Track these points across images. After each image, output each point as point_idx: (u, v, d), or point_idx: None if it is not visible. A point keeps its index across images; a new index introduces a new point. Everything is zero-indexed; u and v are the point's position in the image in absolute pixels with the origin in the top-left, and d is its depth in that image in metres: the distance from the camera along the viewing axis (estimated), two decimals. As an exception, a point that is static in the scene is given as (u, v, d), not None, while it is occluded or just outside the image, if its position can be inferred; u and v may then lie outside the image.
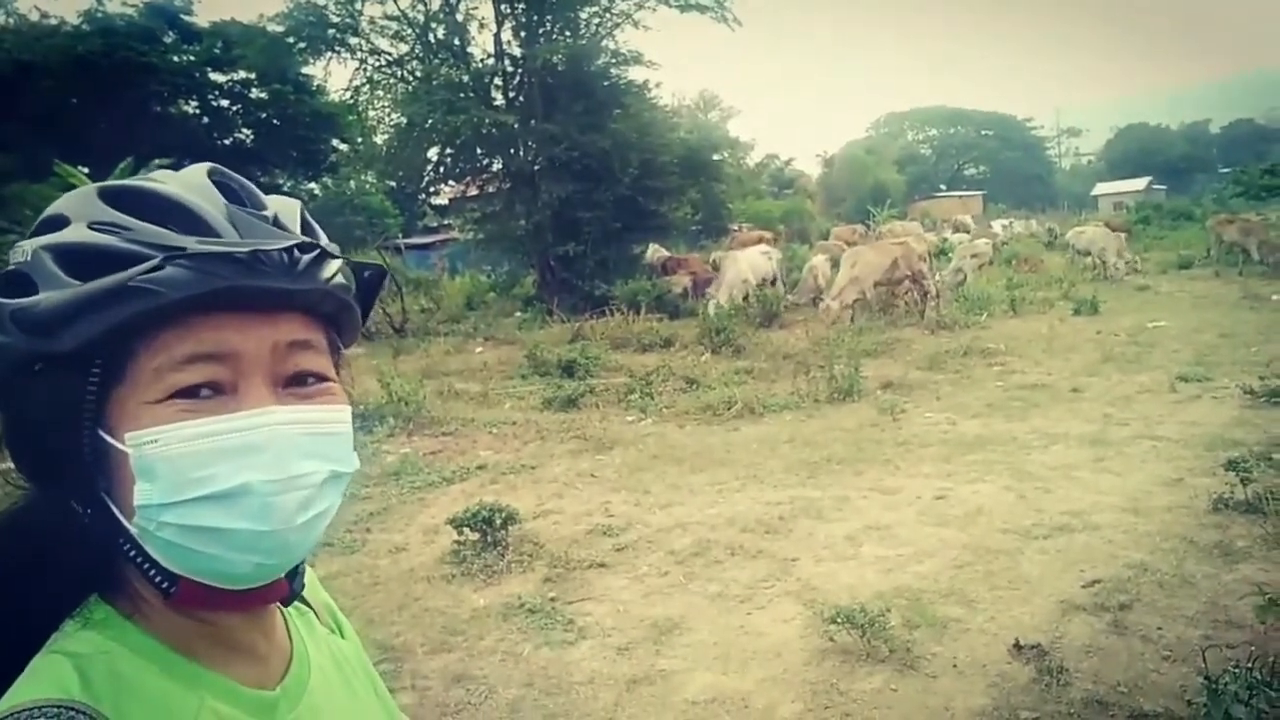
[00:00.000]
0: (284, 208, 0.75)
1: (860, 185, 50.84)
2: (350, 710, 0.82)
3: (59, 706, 0.61)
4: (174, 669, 0.68)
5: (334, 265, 0.73)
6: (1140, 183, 57.52)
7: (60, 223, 0.69)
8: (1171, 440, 6.95)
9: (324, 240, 0.74)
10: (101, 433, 0.67)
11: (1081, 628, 4.09)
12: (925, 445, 7.41)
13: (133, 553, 0.68)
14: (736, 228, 27.54)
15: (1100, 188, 61.18)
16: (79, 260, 0.66)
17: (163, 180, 0.72)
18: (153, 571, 0.68)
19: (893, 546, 5.25)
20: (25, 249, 0.68)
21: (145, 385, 0.66)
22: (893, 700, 3.63)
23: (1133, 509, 5.52)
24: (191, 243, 0.66)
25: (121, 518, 0.67)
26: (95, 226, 0.68)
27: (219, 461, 0.65)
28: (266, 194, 0.77)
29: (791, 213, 38.09)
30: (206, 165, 0.75)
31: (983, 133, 74.53)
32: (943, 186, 66.49)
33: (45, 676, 0.63)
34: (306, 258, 0.70)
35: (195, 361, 0.66)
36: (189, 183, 0.72)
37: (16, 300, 0.66)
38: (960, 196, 56.67)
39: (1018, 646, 3.91)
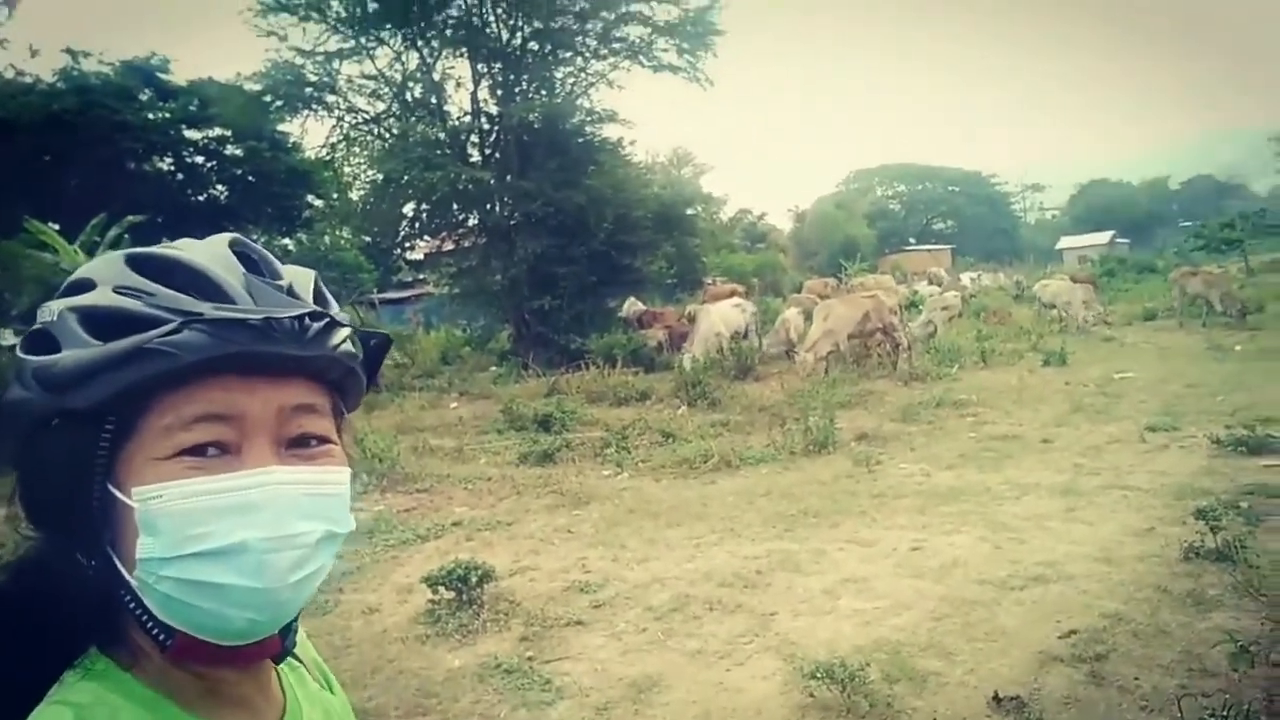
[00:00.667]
0: (299, 278, 0.79)
1: (831, 239, 51.62)
2: None
3: None
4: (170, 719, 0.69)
5: (342, 333, 0.76)
6: (1103, 236, 58.91)
7: (87, 286, 0.72)
8: (1141, 490, 7.04)
9: (334, 309, 0.78)
10: (110, 487, 0.69)
11: (1059, 679, 4.09)
12: (900, 496, 7.44)
13: (133, 605, 0.69)
14: (710, 281, 27.80)
15: (1065, 241, 62.53)
16: (102, 322, 0.69)
17: (186, 249, 0.76)
18: (151, 624, 0.69)
19: (870, 599, 5.24)
20: (52, 309, 0.71)
21: (154, 442, 0.68)
22: (874, 757, 3.60)
23: (1105, 559, 5.57)
24: (208, 309, 0.70)
25: (124, 570, 0.69)
26: (119, 290, 0.71)
27: (219, 518, 0.67)
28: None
29: (764, 266, 38.54)
30: (229, 236, 0.79)
31: (950, 188, 76.10)
32: (912, 240, 67.65)
33: None
34: (316, 326, 0.73)
35: (203, 421, 0.69)
36: (211, 252, 0.76)
37: (39, 358, 0.69)
38: (929, 250, 57.66)
39: (997, 699, 3.91)
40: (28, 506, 0.71)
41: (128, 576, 0.69)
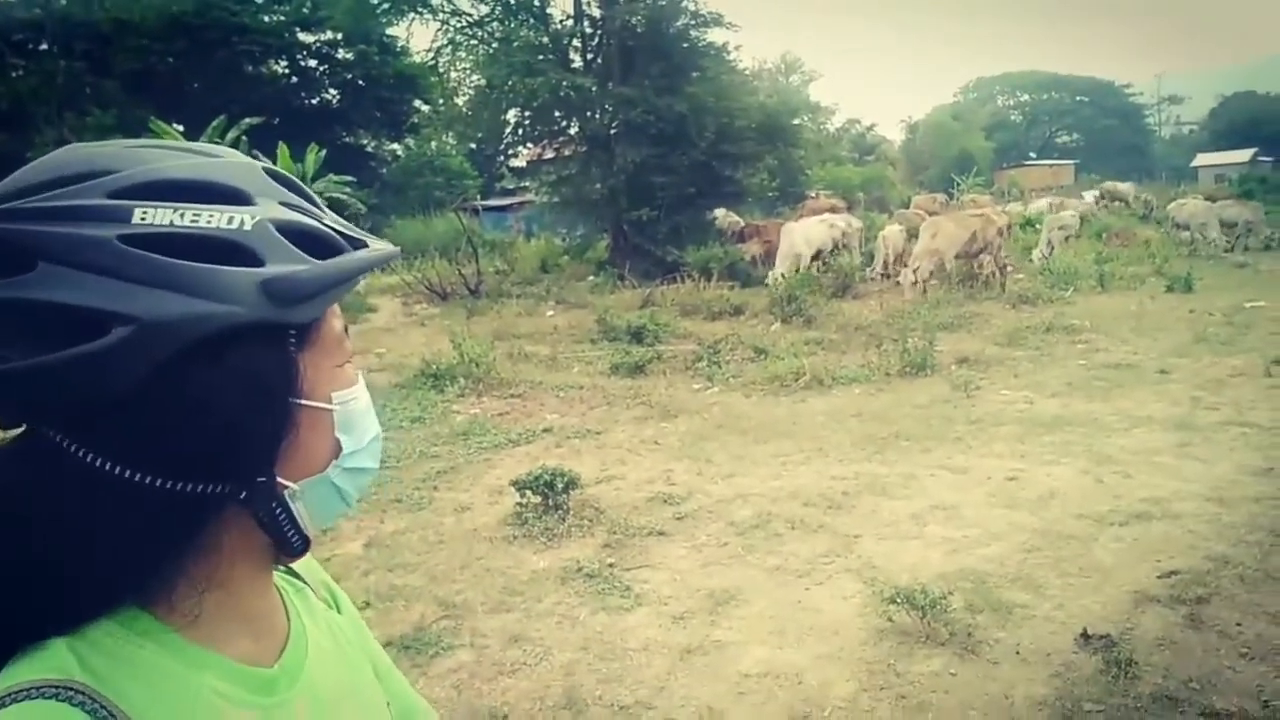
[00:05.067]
0: None
1: (945, 153, 49.37)
2: (348, 686, 0.82)
3: (57, 686, 0.60)
4: (173, 648, 0.67)
5: None
6: (1244, 154, 54.31)
7: (237, 195, 0.67)
8: (1263, 428, 6.61)
9: None
10: (298, 399, 0.70)
11: (1155, 620, 3.94)
12: (999, 424, 7.20)
13: (282, 516, 0.70)
14: (813, 195, 27.00)
15: (1201, 159, 58.01)
16: (302, 238, 0.68)
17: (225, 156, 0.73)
18: (291, 532, 0.71)
19: (959, 527, 5.13)
20: (240, 218, 0.65)
21: (333, 351, 0.74)
22: (951, 684, 3.56)
23: (1217, 498, 5.28)
24: (354, 234, 0.73)
25: (286, 482, 0.70)
26: (288, 205, 0.70)
27: (369, 413, 0.78)
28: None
29: (872, 180, 37.19)
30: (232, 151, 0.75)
31: (1078, 99, 71.41)
32: (1032, 155, 64.06)
33: (45, 655, 0.62)
34: None
35: (345, 333, 0.77)
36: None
37: (261, 270, 0.64)
38: (1051, 165, 54.51)
39: (1085, 636, 3.79)
40: (182, 444, 0.64)
41: (291, 485, 0.70)
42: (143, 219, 0.62)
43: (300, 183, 0.74)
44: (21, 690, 0.59)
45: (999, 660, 3.71)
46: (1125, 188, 30.21)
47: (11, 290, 0.59)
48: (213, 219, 0.64)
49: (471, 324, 12.32)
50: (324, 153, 22.62)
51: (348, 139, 33.46)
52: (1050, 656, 3.70)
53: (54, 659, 0.62)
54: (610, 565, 4.84)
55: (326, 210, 0.74)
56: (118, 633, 0.65)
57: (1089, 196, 30.72)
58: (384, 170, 34.50)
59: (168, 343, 0.60)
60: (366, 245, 0.73)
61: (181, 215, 0.63)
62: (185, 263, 0.62)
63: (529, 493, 5.51)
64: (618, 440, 7.27)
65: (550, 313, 14.32)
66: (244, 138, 21.68)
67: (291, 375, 0.69)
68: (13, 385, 0.59)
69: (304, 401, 0.70)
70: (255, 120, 22.14)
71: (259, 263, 0.64)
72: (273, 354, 0.67)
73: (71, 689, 0.60)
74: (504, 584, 4.70)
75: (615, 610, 4.36)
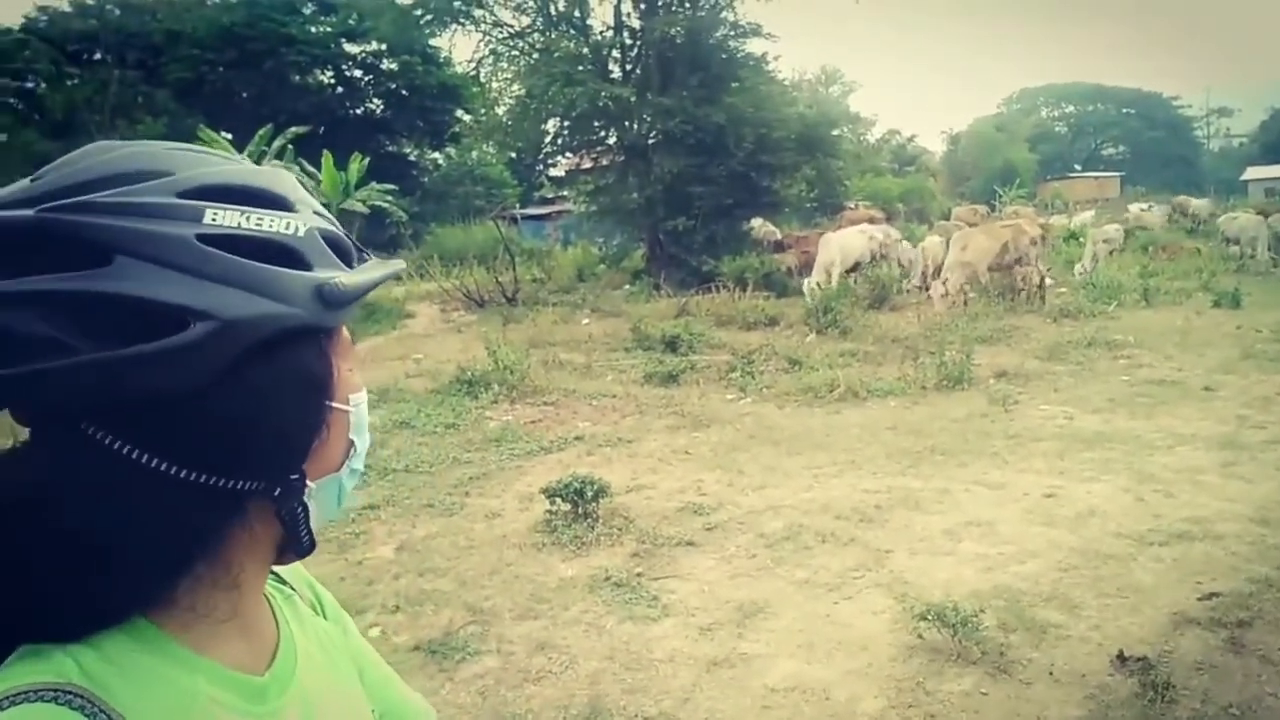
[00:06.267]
0: None
1: (988, 164, 48.85)
2: (336, 694, 0.81)
3: (55, 689, 0.60)
4: (168, 653, 0.67)
5: None
6: (1297, 167, 52.96)
7: (284, 201, 0.69)
8: (1313, 448, 6.44)
9: None
10: (329, 400, 0.72)
11: (1194, 643, 3.84)
12: (1038, 439, 7.08)
13: (303, 516, 0.71)
14: (853, 205, 26.81)
15: (1251, 172, 56.64)
16: (336, 247, 0.71)
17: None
18: (304, 530, 0.72)
19: (994, 544, 5.05)
20: (295, 224, 0.67)
21: (347, 355, 0.76)
22: (981, 704, 3.50)
23: (1262, 519, 5.14)
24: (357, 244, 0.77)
25: (309, 482, 0.71)
26: (319, 214, 0.72)
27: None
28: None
29: (912, 191, 36.86)
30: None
31: (1124, 110, 70.31)
32: (1077, 166, 63.11)
33: (42, 658, 0.62)
34: None
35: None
36: None
37: (312, 274, 0.67)
38: (1096, 178, 53.63)
39: (1121, 658, 3.71)
40: (229, 443, 0.64)
41: (310, 485, 0.71)
42: (214, 219, 0.63)
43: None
44: (19, 693, 0.59)
45: (1032, 681, 3.64)
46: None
47: (86, 283, 0.59)
48: (273, 224, 0.66)
49: (507, 331, 12.40)
50: (367, 161, 22.91)
51: (390, 148, 34.01)
52: (1085, 678, 3.62)
53: (51, 662, 0.62)
54: (638, 575, 4.83)
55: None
56: (115, 636, 0.65)
57: (1134, 209, 30.11)
58: (425, 179, 34.97)
59: (239, 340, 0.62)
60: (368, 257, 0.76)
61: (247, 218, 0.65)
62: (255, 263, 0.63)
63: (559, 500, 5.52)
64: (649, 449, 7.26)
65: (585, 321, 14.36)
66: (289, 146, 22.12)
67: (328, 377, 0.71)
68: (79, 378, 0.58)
69: (333, 403, 0.72)
70: (301, 130, 22.52)
71: (308, 267, 0.67)
72: (315, 355, 0.70)
73: (69, 692, 0.60)
74: (532, 591, 4.71)
75: (642, 620, 4.35)
